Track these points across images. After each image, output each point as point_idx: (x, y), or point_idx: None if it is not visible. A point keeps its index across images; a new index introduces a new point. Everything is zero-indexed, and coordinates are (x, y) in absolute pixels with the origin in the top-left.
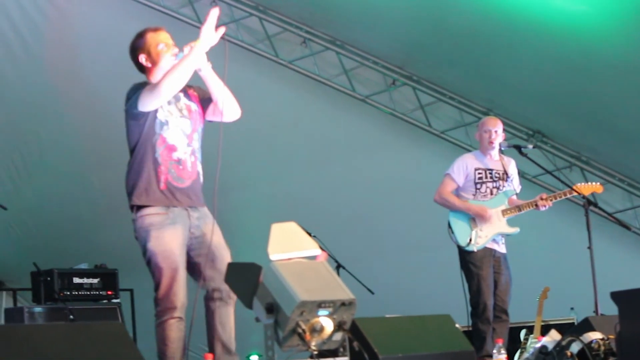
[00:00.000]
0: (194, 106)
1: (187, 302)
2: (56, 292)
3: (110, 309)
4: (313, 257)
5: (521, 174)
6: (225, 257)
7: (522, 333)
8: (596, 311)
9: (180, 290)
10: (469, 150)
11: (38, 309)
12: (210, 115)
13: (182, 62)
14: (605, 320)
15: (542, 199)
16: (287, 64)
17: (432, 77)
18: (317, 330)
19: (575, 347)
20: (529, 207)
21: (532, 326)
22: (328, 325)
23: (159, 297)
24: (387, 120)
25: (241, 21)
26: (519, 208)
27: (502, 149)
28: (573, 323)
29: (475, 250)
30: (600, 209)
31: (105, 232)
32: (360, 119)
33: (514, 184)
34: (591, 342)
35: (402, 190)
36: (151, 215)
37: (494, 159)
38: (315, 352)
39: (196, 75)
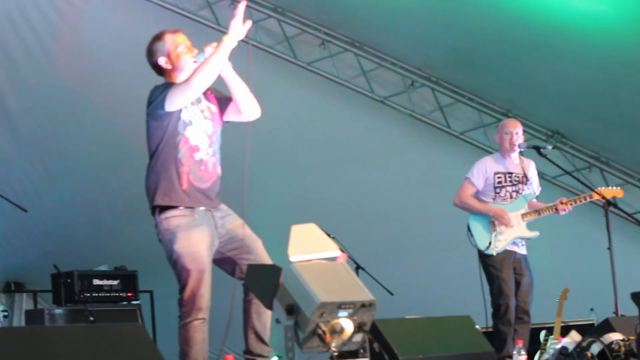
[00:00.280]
0: (214, 107)
1: (210, 304)
2: (76, 294)
3: (130, 310)
4: (333, 259)
5: (540, 175)
6: (259, 246)
7: (542, 334)
8: (616, 312)
9: (206, 292)
10: (488, 152)
11: (58, 311)
12: (229, 116)
13: (211, 58)
14: (626, 321)
15: (562, 202)
16: (305, 66)
17: (450, 78)
18: (337, 331)
19: (595, 348)
20: (549, 211)
21: (552, 327)
22: (348, 326)
23: (184, 299)
24: (406, 122)
25: (260, 23)
26: (538, 212)
27: (522, 150)
28: (593, 324)
29: (494, 253)
30: (620, 209)
31: (125, 234)
32: (379, 120)
33: (534, 186)
34: (611, 343)
35: (420, 191)
36: (177, 217)
37: (514, 162)
38: (336, 354)
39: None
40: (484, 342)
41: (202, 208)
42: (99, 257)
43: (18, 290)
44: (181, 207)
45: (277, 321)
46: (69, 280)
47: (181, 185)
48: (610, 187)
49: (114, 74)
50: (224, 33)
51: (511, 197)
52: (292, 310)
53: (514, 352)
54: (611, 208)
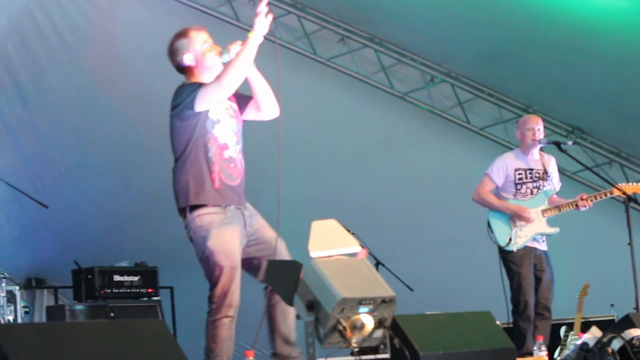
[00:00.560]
0: (235, 105)
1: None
2: (97, 290)
3: (151, 306)
4: (353, 254)
5: (560, 171)
6: (283, 249)
7: (562, 330)
8: (637, 308)
9: (237, 290)
10: (508, 147)
11: (79, 307)
12: (248, 114)
13: (240, 56)
14: None
15: (582, 199)
16: (325, 62)
17: (470, 74)
18: (357, 327)
19: (616, 344)
20: (569, 207)
21: (572, 323)
22: (369, 322)
23: (215, 295)
24: (426, 117)
25: (280, 19)
26: (559, 208)
27: (542, 145)
28: (613, 320)
29: (514, 250)
30: None
31: (146, 230)
32: (399, 115)
33: (554, 182)
34: (632, 338)
35: (440, 187)
36: (210, 214)
37: (535, 158)
38: (356, 349)
39: None
40: (505, 338)
41: (233, 206)
42: (119, 253)
43: (39, 287)
44: (213, 205)
45: (298, 317)
46: (89, 276)
47: (213, 184)
48: (630, 183)
49: (135, 70)
50: (244, 29)
51: (532, 193)
52: (312, 306)
53: (535, 348)
54: (632, 204)
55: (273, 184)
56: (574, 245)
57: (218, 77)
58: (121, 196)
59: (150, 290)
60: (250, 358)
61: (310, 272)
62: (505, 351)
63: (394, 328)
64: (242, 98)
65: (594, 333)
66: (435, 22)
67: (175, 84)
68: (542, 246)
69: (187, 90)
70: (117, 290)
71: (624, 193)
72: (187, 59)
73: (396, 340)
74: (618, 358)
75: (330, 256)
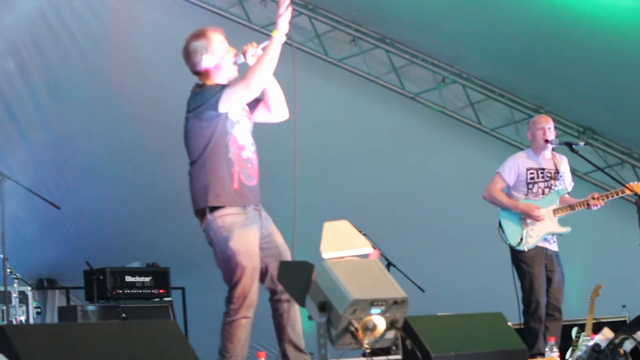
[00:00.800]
0: (246, 107)
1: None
2: (109, 291)
3: (162, 307)
4: (365, 256)
5: (572, 171)
6: (289, 256)
7: (574, 331)
8: None
9: (256, 291)
10: (519, 148)
11: (91, 307)
12: (258, 116)
13: (267, 56)
14: None
15: (594, 198)
16: (336, 63)
17: (482, 75)
18: (369, 328)
19: (628, 345)
20: (581, 207)
21: (584, 324)
22: (380, 323)
23: (235, 296)
24: (437, 118)
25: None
26: (570, 207)
27: (554, 146)
28: (625, 321)
29: (526, 249)
30: None
31: (157, 231)
32: (410, 116)
33: (566, 182)
34: None
35: (451, 188)
36: (232, 215)
37: (547, 158)
38: (368, 351)
39: None
40: (517, 339)
41: (251, 207)
42: (131, 254)
43: (51, 287)
44: (233, 206)
45: (310, 318)
46: (101, 277)
47: (232, 185)
48: None
49: (147, 72)
50: (255, 30)
51: (543, 193)
52: (324, 307)
53: (546, 349)
54: None
55: (282, 186)
56: (586, 245)
57: (245, 78)
58: (133, 197)
59: (161, 290)
60: (262, 359)
61: (322, 273)
62: (517, 352)
63: (406, 329)
64: (252, 100)
65: (606, 334)
66: (446, 22)
67: (187, 86)
68: (553, 246)
69: (210, 91)
70: (128, 291)
71: (635, 193)
72: (206, 60)
73: (408, 342)
74: (630, 359)
75: (342, 257)
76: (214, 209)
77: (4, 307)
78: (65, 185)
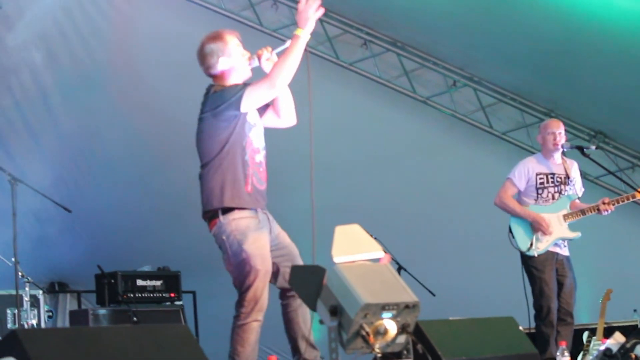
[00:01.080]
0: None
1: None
2: (120, 294)
3: (173, 311)
4: (377, 260)
5: (583, 175)
6: (298, 255)
7: (585, 335)
8: None
9: (267, 295)
10: (530, 152)
11: (102, 311)
12: (266, 121)
13: (291, 54)
14: None
15: (604, 203)
16: (347, 66)
17: (493, 78)
18: (381, 332)
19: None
20: (591, 212)
21: (595, 328)
22: (392, 327)
23: (246, 299)
24: (448, 122)
25: None
26: (580, 213)
27: (565, 150)
28: (636, 325)
29: (535, 255)
30: None
31: (168, 235)
32: (421, 120)
33: (577, 187)
34: None
35: (462, 192)
36: (246, 219)
37: (557, 162)
38: (379, 355)
39: None
40: (528, 343)
41: (261, 210)
42: (142, 258)
43: (62, 291)
44: (247, 209)
45: (321, 322)
46: (112, 281)
47: (246, 188)
48: None
49: (158, 74)
50: (267, 34)
51: (553, 198)
52: (335, 311)
53: (557, 354)
54: None
55: (291, 190)
56: (597, 250)
57: (269, 77)
58: (144, 201)
59: (172, 294)
60: None
61: (333, 277)
62: (529, 357)
63: (417, 333)
64: (261, 106)
65: (617, 339)
66: (457, 26)
67: (200, 88)
68: (564, 251)
69: (231, 91)
70: (139, 295)
71: None
72: (222, 63)
73: (419, 346)
74: None
75: (354, 261)
76: (226, 211)
77: (16, 311)
78: (76, 189)
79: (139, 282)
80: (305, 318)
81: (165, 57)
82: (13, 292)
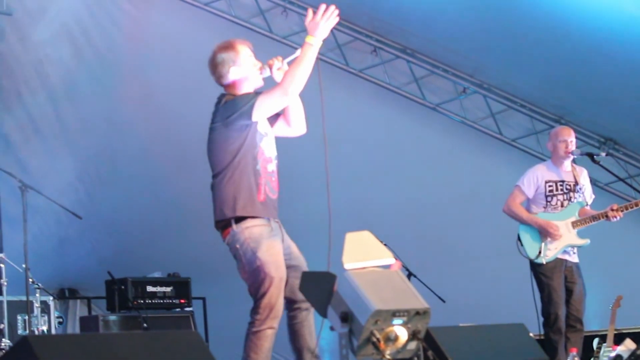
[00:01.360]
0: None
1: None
2: (130, 301)
3: (183, 317)
4: (387, 266)
5: (593, 182)
6: (306, 267)
7: (595, 342)
8: None
9: (282, 302)
10: (540, 159)
11: (112, 317)
12: (276, 130)
13: (303, 61)
14: None
15: (612, 209)
16: (357, 73)
17: (502, 85)
18: (391, 339)
19: None
20: (600, 219)
21: (605, 335)
22: (402, 334)
23: (261, 306)
24: (458, 129)
25: None
26: (589, 219)
27: (575, 157)
28: None
29: (544, 262)
30: None
31: (178, 241)
32: (431, 127)
33: (586, 194)
34: None
35: (472, 198)
36: (259, 226)
37: (566, 170)
38: None
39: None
40: (539, 350)
41: (273, 219)
42: (152, 264)
43: (72, 297)
44: (260, 218)
45: (332, 328)
46: (122, 287)
47: (259, 197)
48: None
49: (168, 80)
50: (277, 41)
51: (562, 206)
52: (346, 317)
53: None
54: None
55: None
56: (607, 256)
57: (281, 85)
58: (154, 207)
59: (182, 301)
60: None
61: (344, 284)
62: None
63: (428, 340)
64: (272, 116)
65: (628, 345)
66: (467, 33)
67: (210, 96)
68: (573, 258)
69: (243, 100)
70: (150, 301)
71: None
72: (234, 73)
73: (430, 353)
74: None
75: (364, 268)
76: (239, 220)
77: (26, 317)
78: (86, 196)
79: (149, 289)
80: (311, 330)
81: (175, 63)
82: (23, 298)
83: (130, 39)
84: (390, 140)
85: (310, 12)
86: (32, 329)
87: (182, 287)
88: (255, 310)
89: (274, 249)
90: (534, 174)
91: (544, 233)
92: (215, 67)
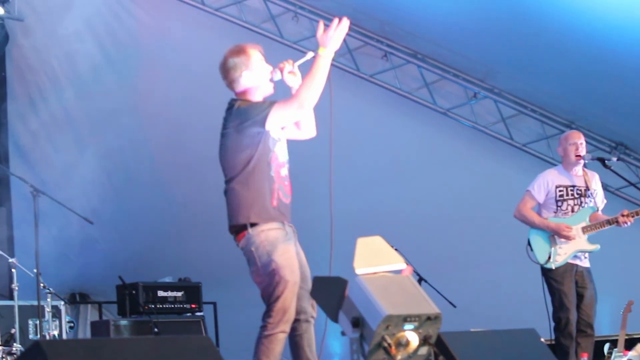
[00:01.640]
0: None
1: None
2: (141, 305)
3: (194, 322)
4: (398, 271)
5: (604, 187)
6: (310, 277)
7: (606, 347)
8: None
9: (295, 306)
10: (551, 163)
11: (123, 322)
12: (289, 133)
13: (317, 73)
14: None
15: (623, 215)
16: (368, 78)
17: (513, 90)
18: (402, 344)
19: None
20: (610, 224)
21: (616, 340)
22: (414, 339)
23: (274, 310)
24: (469, 134)
25: None
26: (599, 225)
27: (586, 161)
28: None
29: (554, 267)
30: None
31: (189, 246)
32: (442, 132)
33: (598, 199)
34: None
35: (483, 203)
36: (274, 230)
37: (578, 174)
38: None
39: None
40: (550, 355)
41: (287, 224)
42: (163, 269)
43: (83, 302)
44: (275, 221)
45: (343, 333)
46: (133, 292)
47: (272, 202)
48: None
49: (179, 85)
50: (287, 46)
51: (572, 211)
52: (357, 322)
53: None
54: None
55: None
56: (618, 261)
57: (296, 98)
58: (165, 212)
59: (193, 305)
60: None
61: (355, 289)
62: None
63: (439, 345)
64: None
65: (639, 350)
66: (477, 38)
67: (222, 102)
68: (584, 263)
69: (257, 108)
70: (161, 306)
71: None
72: (246, 77)
73: (441, 358)
74: None
75: (375, 273)
76: (254, 224)
77: (37, 322)
78: (97, 201)
79: (160, 293)
80: (310, 342)
81: (186, 68)
82: (35, 303)
83: (142, 44)
84: (401, 145)
85: (321, 24)
86: (43, 333)
87: (193, 291)
88: (268, 313)
89: (288, 252)
90: (544, 179)
91: (557, 236)
92: (227, 72)
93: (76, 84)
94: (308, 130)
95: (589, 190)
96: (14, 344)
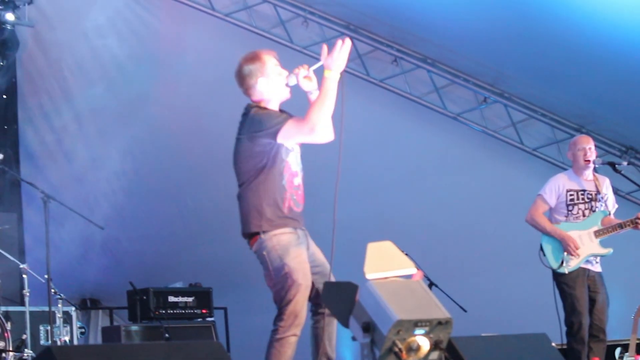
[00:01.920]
0: None
1: None
2: (152, 311)
3: (205, 327)
4: (409, 276)
5: (615, 191)
6: (330, 273)
7: (617, 351)
8: None
9: (306, 310)
10: (562, 168)
11: (134, 328)
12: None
13: (326, 96)
14: None
15: (638, 218)
16: (378, 83)
17: (523, 94)
18: (413, 349)
19: None
20: (627, 227)
21: (627, 344)
22: (424, 344)
23: (286, 313)
24: (479, 138)
25: (332, 40)
26: (612, 229)
27: (596, 166)
28: None
29: (566, 272)
30: None
31: (200, 251)
32: (452, 136)
33: (609, 203)
34: None
35: (493, 208)
36: (287, 234)
37: (588, 179)
38: None
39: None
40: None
41: (299, 228)
42: (173, 274)
43: (94, 307)
44: (287, 227)
45: (354, 338)
46: (144, 297)
47: (283, 211)
48: None
49: (190, 91)
50: (298, 51)
51: (584, 215)
52: (368, 327)
53: None
54: None
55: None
56: (629, 265)
57: (308, 122)
58: (175, 218)
59: (204, 310)
60: None
61: (366, 294)
62: None
63: (450, 350)
64: None
65: None
66: (488, 42)
67: (232, 106)
68: (596, 267)
69: (271, 119)
70: (171, 311)
71: None
72: (261, 84)
73: None
74: None
75: (386, 278)
76: (266, 231)
77: (48, 327)
78: (108, 206)
79: (171, 299)
80: (331, 337)
81: (198, 75)
82: (46, 308)
83: (154, 49)
84: (411, 149)
85: (325, 48)
86: (54, 339)
87: (203, 297)
88: (279, 317)
89: (301, 256)
90: (555, 183)
91: (564, 245)
92: (243, 79)
93: (86, 89)
94: (326, 135)
95: (599, 194)
96: (25, 350)
